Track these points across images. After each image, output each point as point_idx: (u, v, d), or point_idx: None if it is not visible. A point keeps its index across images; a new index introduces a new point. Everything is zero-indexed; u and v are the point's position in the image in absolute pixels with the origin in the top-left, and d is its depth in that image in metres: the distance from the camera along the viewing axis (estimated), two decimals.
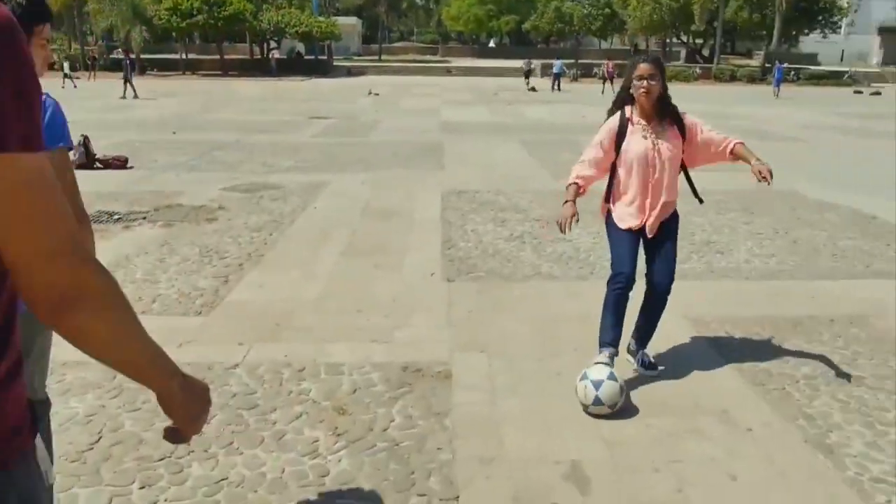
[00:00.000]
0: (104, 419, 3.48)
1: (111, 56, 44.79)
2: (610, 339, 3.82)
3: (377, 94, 28.68)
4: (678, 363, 4.08)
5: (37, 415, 1.12)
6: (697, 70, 47.27)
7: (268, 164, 11.33)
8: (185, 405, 1.27)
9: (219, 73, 45.28)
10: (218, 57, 47.26)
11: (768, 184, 3.53)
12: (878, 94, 36.03)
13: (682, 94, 33.18)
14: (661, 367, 4.00)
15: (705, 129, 3.88)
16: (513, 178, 10.11)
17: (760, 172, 3.50)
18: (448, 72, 49.64)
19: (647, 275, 3.92)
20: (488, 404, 3.64)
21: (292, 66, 46.71)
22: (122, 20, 43.08)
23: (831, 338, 4.58)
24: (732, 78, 45.94)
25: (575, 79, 42.72)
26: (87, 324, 1.05)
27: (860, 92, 37.63)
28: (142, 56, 45.35)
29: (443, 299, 5.20)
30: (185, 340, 4.43)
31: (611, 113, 3.94)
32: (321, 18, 49.06)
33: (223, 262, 6.14)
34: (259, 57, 49.61)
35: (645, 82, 3.70)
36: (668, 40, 56.70)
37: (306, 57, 50.19)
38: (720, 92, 36.34)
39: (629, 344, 4.06)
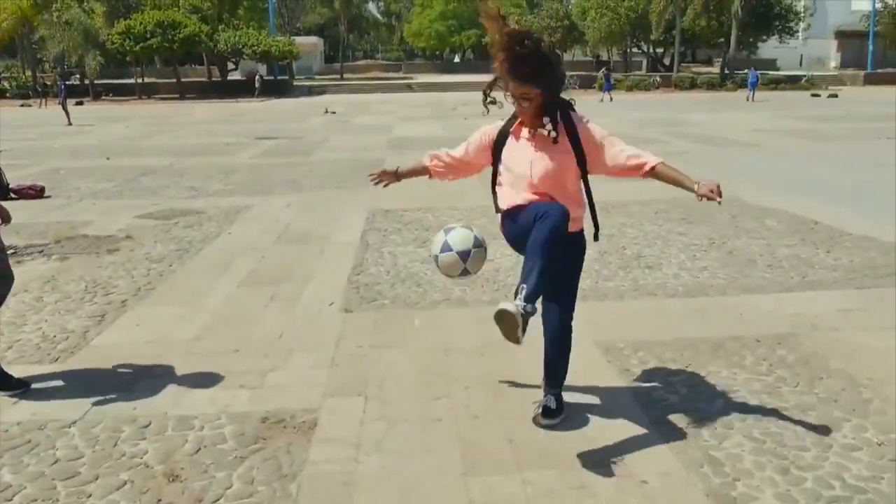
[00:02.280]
0: None
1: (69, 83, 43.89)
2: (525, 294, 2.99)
3: (333, 113, 28.19)
4: (573, 401, 3.59)
5: None
6: (658, 79, 47.36)
7: (194, 189, 10.77)
8: None
9: (176, 96, 44.48)
10: (174, 80, 46.43)
11: (718, 203, 2.96)
12: (835, 96, 36.21)
13: (642, 103, 33.50)
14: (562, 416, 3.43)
15: (612, 142, 3.23)
16: (447, 195, 9.61)
17: (711, 191, 2.92)
18: (410, 88, 49.29)
19: (542, 311, 3.29)
20: (349, 462, 3.13)
21: (251, 88, 46.10)
22: (74, 46, 42.20)
23: (754, 362, 4.14)
24: (693, 85, 46.02)
25: None
26: None
27: (818, 95, 37.80)
28: (96, 81, 44.49)
29: (334, 333, 4.69)
30: (27, 395, 3.88)
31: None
32: (279, 38, 48.49)
33: (106, 298, 5.58)
34: (217, 79, 48.86)
35: (520, 104, 3.13)
36: (628, 50, 56.92)
37: (266, 77, 49.55)
38: (679, 99, 36.34)
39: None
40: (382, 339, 4.59)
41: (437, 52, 75.50)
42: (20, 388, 3.91)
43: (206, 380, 4.02)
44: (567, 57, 67.95)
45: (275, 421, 3.51)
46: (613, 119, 23.30)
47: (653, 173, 3.18)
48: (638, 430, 3.36)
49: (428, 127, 21.55)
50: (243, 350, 4.46)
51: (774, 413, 3.51)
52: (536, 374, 3.58)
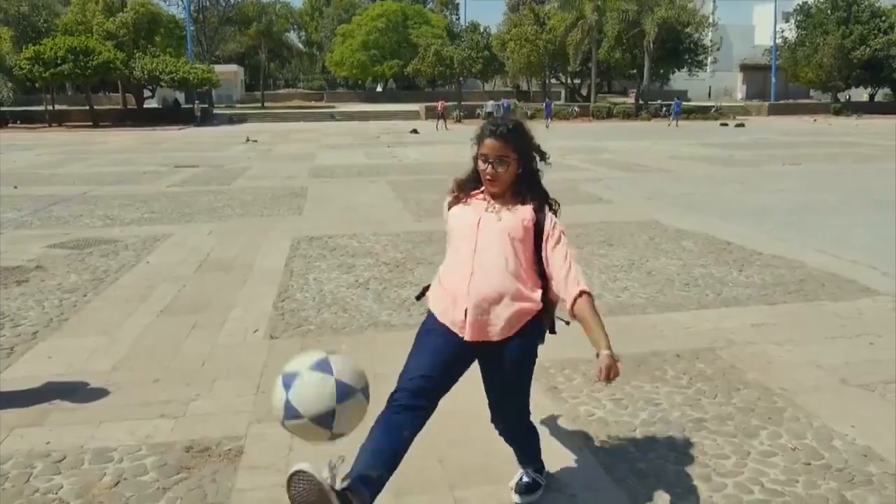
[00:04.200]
0: None
1: None
2: (356, 472, 2.34)
3: (255, 141, 27.82)
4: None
5: None
6: (576, 108, 48.74)
7: (110, 218, 10.42)
8: None
9: (89, 124, 43.07)
10: (87, 108, 44.99)
11: (605, 384, 2.61)
12: (742, 125, 37.96)
13: (562, 132, 34.20)
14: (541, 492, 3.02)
15: (557, 250, 2.60)
16: (372, 221, 9.63)
17: (599, 371, 2.44)
18: (332, 117, 49.16)
19: (492, 419, 2.85)
20: (277, 488, 3.06)
21: (168, 115, 45.14)
22: None
23: (675, 376, 4.27)
24: (609, 115, 47.56)
25: (459, 119, 43.13)
26: None
27: (726, 124, 39.56)
28: (3, 108, 42.70)
29: (259, 361, 4.59)
30: None
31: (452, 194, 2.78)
32: (198, 65, 47.70)
33: (16, 330, 5.32)
34: (133, 107, 47.63)
35: (490, 167, 2.57)
36: (546, 80, 58.38)
37: (184, 105, 48.59)
38: (597, 128, 37.48)
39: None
40: None
41: (360, 82, 75.69)
42: None
43: (124, 411, 3.87)
44: (488, 87, 69.31)
45: (199, 450, 3.41)
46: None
47: (575, 311, 2.59)
48: (566, 446, 3.41)
49: (351, 155, 21.53)
50: (164, 379, 4.31)
51: (695, 423, 3.62)
52: (468, 396, 3.59)
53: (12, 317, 5.65)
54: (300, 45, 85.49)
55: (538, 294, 2.63)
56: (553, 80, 60.32)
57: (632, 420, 3.68)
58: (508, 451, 3.33)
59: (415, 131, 34.13)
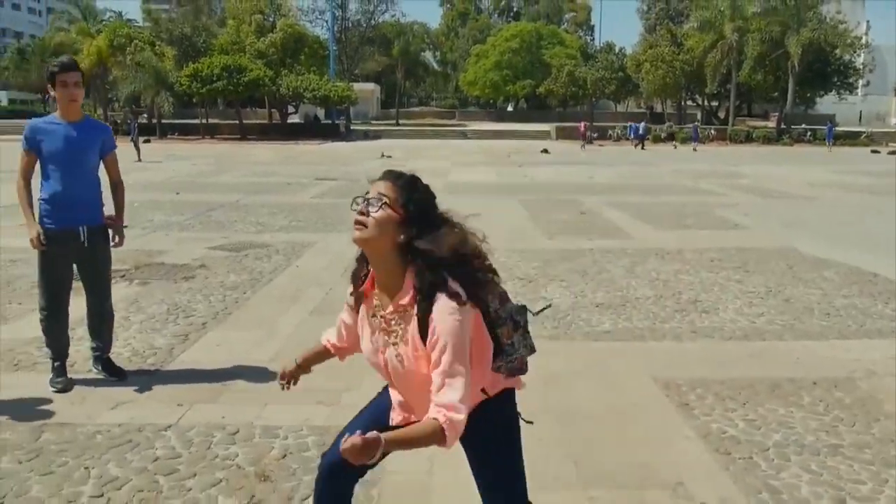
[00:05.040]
0: (12, 483, 3.26)
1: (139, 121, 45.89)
2: None
3: (389, 157, 28.90)
4: (635, 429, 3.78)
5: None
6: (712, 131, 47.35)
7: (261, 224, 11.25)
8: None
9: (237, 137, 46.06)
10: (237, 121, 48.13)
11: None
12: None
13: (697, 155, 33.34)
14: None
15: (437, 350, 1.94)
16: (505, 237, 9.91)
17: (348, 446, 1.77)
18: (464, 136, 50.12)
19: None
20: (424, 474, 3.37)
21: (309, 130, 47.55)
22: (145, 86, 44.15)
23: (812, 402, 4.26)
24: (748, 139, 45.90)
25: (590, 141, 42.97)
26: None
27: (877, 151, 37.34)
28: (163, 121, 46.38)
29: None
30: (123, 401, 4.22)
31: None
32: (338, 83, 50.00)
33: (188, 320, 5.95)
34: (277, 121, 50.51)
35: (361, 205, 2.02)
36: (682, 102, 57.05)
37: (323, 121, 51.01)
38: (734, 152, 36.30)
39: None
40: None
41: (491, 101, 76.63)
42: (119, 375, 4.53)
43: (285, 396, 4.28)
44: (621, 108, 68.44)
45: None
46: (667, 170, 23.44)
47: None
48: (697, 458, 3.52)
49: (483, 173, 21.98)
50: (317, 372, 4.72)
51: (831, 448, 3.64)
52: (595, 405, 3.78)
53: (184, 308, 6.31)
54: (434, 65, 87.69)
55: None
56: (689, 102, 58.88)
57: (764, 440, 3.73)
58: (638, 460, 3.49)
59: (545, 151, 34.29)
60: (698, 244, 9.27)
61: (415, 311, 2.00)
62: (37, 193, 4.38)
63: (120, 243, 4.73)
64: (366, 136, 48.21)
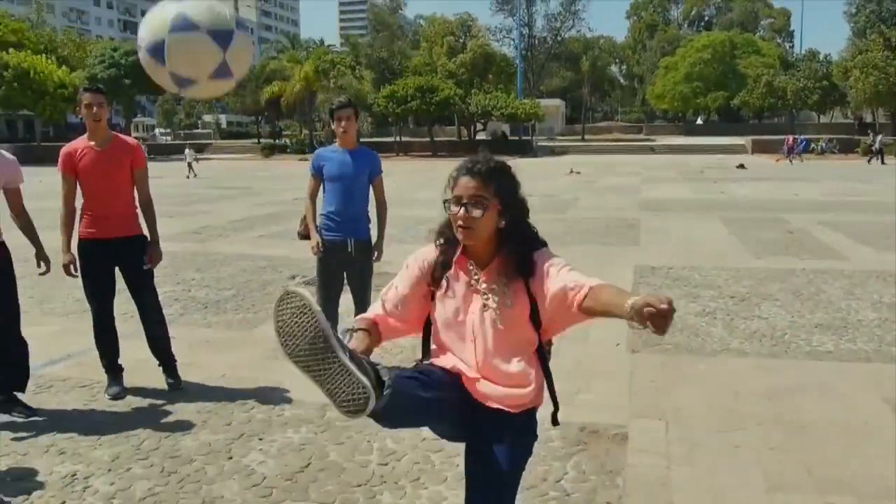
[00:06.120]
0: (314, 449, 3.99)
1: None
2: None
3: (578, 173, 29.14)
4: (870, 445, 3.90)
5: None
6: None
7: None
8: None
9: (429, 153, 48.26)
10: (428, 139, 50.45)
11: (661, 335, 1.88)
12: None
13: None
14: None
15: (559, 274, 2.19)
16: (710, 255, 9.94)
17: (651, 308, 1.83)
18: (651, 150, 49.26)
19: None
20: (662, 468, 3.72)
21: (497, 147, 48.76)
22: None
23: None
24: None
25: (798, 155, 40.75)
26: None
27: None
28: (361, 139, 49.46)
29: (625, 368, 5.31)
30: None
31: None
32: (525, 101, 50.98)
33: None
34: (466, 138, 52.33)
35: (462, 210, 2.16)
36: None
37: (510, 137, 52.17)
38: None
39: None
40: (671, 377, 5.13)
41: (679, 114, 74.49)
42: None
43: None
44: (825, 119, 64.03)
45: (591, 431, 4.19)
46: (880, 186, 21.87)
47: (584, 307, 2.14)
48: None
49: (676, 189, 21.70)
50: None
51: None
52: (824, 421, 3.94)
53: None
54: (621, 79, 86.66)
55: (532, 387, 2.35)
56: None
57: None
58: (873, 472, 3.63)
59: (741, 166, 33.02)
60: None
61: (515, 269, 2.22)
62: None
63: (378, 258, 5.43)
64: (552, 152, 48.73)
